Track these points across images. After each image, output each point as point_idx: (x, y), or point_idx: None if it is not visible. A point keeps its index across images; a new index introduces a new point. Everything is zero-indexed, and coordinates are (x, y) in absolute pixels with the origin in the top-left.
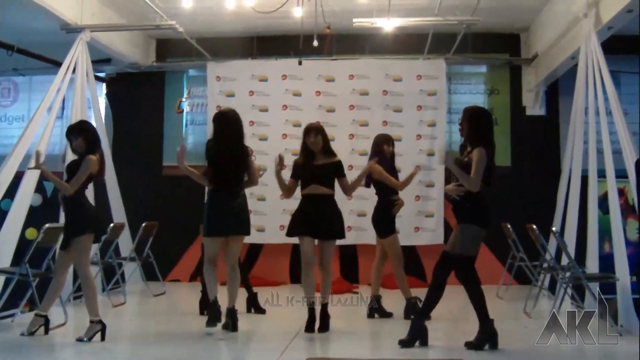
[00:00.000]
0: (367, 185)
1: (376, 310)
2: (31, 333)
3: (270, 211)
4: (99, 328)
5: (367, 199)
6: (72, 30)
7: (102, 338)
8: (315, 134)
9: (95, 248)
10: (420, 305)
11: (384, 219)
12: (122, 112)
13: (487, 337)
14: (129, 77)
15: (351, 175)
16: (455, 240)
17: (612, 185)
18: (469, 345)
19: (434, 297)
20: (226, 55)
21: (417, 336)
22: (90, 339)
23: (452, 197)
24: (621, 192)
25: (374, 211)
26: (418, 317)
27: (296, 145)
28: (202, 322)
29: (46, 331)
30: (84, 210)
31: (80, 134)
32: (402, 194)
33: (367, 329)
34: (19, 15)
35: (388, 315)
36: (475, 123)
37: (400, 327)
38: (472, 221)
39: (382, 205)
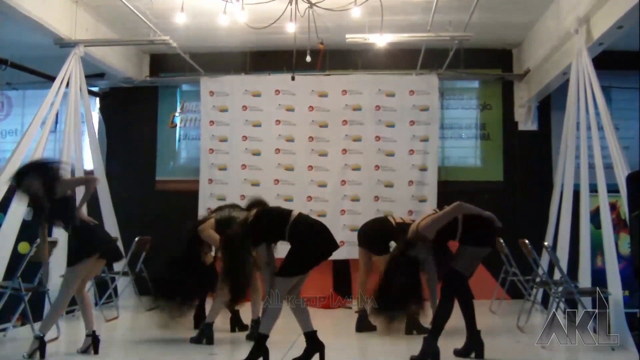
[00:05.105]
0: None
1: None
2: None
3: None
4: (37, 345)
5: (359, 213)
6: (66, 45)
7: (96, 351)
8: None
9: None
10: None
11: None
12: (116, 127)
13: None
14: (123, 91)
15: (344, 190)
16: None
17: (604, 199)
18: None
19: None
20: (219, 70)
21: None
22: (30, 356)
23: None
24: (613, 207)
25: (369, 229)
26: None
27: (289, 160)
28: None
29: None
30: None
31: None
32: (395, 206)
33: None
34: (13, 30)
35: (374, 328)
36: None
37: (388, 342)
38: (477, 244)
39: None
